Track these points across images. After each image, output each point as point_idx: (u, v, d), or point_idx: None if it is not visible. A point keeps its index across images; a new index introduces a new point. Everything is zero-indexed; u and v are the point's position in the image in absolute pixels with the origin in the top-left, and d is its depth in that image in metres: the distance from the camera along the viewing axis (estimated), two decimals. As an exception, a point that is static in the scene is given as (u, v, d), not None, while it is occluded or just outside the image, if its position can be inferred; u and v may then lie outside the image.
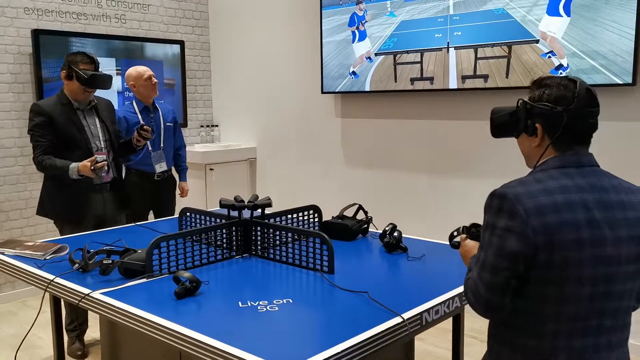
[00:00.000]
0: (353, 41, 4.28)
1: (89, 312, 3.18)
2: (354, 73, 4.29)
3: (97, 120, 3.24)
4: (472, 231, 1.67)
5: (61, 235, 3.18)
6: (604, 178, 1.42)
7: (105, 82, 3.14)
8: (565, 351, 1.36)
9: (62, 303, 2.93)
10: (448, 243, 1.80)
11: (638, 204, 1.40)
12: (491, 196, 1.40)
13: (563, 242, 1.31)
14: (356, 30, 4.25)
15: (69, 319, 3.33)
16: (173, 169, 4.05)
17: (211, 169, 4.94)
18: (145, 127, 3.28)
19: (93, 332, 3.53)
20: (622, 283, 1.36)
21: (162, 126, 3.85)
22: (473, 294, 1.40)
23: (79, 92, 3.13)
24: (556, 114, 1.41)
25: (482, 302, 1.38)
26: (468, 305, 1.47)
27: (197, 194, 4.87)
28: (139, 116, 3.75)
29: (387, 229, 2.56)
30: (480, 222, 1.49)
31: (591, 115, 1.44)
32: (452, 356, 2.63)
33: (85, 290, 2.02)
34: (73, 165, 3.00)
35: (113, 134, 3.31)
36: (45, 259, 2.44)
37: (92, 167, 2.93)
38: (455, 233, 1.70)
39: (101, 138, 3.24)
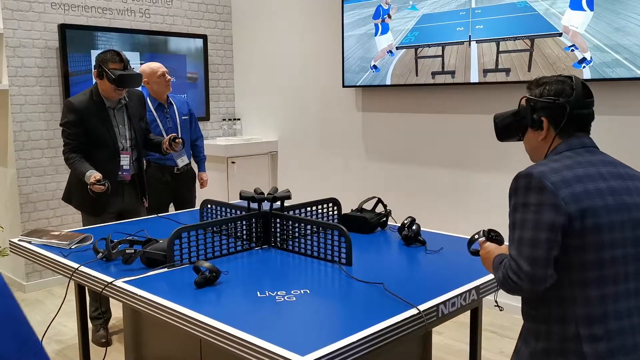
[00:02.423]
0: (376, 34, 4.27)
1: (113, 301, 3.26)
2: (375, 67, 4.29)
3: (125, 119, 3.32)
4: (490, 235, 1.68)
5: (83, 224, 3.28)
6: (607, 156, 1.55)
7: (134, 81, 3.21)
8: (614, 315, 1.41)
9: (87, 292, 3.00)
10: (467, 242, 1.78)
11: (637, 176, 1.53)
12: (516, 178, 1.48)
13: (592, 208, 1.39)
14: (379, 24, 4.24)
15: (93, 308, 3.41)
16: (192, 160, 4.10)
17: (233, 162, 4.99)
18: (177, 139, 3.33)
19: (117, 320, 3.61)
20: None
21: (178, 120, 3.89)
22: (515, 272, 1.41)
23: (110, 91, 3.20)
24: (559, 105, 1.53)
25: (526, 277, 1.40)
26: (507, 292, 1.48)
27: (218, 187, 4.93)
28: (154, 114, 3.78)
29: (405, 222, 2.57)
30: (500, 222, 1.51)
31: (589, 105, 1.56)
32: (470, 350, 2.63)
33: (109, 279, 2.07)
34: (89, 174, 3.07)
35: (139, 132, 3.37)
36: (70, 247, 2.51)
37: (89, 186, 3.00)
38: (476, 236, 1.71)
39: (127, 137, 3.31)
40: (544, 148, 1.57)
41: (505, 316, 1.50)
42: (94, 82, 3.28)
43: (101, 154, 3.20)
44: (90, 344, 3.19)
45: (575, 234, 1.39)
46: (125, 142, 3.30)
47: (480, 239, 1.68)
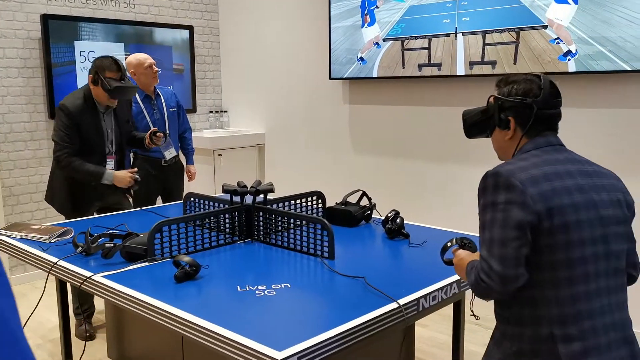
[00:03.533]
0: (362, 26, 4.25)
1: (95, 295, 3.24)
2: (361, 59, 4.27)
3: (113, 123, 3.29)
4: (463, 243, 1.67)
5: (66, 220, 3.24)
6: (574, 154, 1.54)
7: (129, 93, 3.21)
8: (587, 314, 1.39)
9: (69, 286, 2.97)
10: (440, 251, 1.76)
11: (605, 173, 1.52)
12: (484, 177, 1.47)
13: (560, 206, 1.38)
14: (367, 15, 4.21)
15: (76, 304, 3.39)
16: (180, 153, 4.07)
17: (220, 155, 4.95)
18: (158, 133, 3.31)
19: (101, 314, 3.58)
20: (616, 243, 1.45)
21: (165, 112, 3.86)
22: (486, 273, 1.40)
23: (104, 99, 3.17)
24: (526, 105, 1.53)
25: (497, 277, 1.38)
26: (479, 297, 1.46)
27: (205, 180, 4.90)
28: (141, 105, 3.75)
29: (389, 215, 2.56)
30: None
31: (557, 105, 1.56)
32: (453, 342, 2.63)
33: (87, 273, 2.05)
34: (109, 173, 3.14)
35: (124, 136, 3.37)
36: (50, 241, 2.48)
37: (129, 185, 3.17)
38: (449, 244, 1.70)
39: (114, 141, 3.29)
40: (512, 147, 1.57)
41: (490, 307, 1.50)
42: (81, 85, 3.24)
43: (89, 159, 3.17)
44: (74, 338, 3.18)
45: (544, 233, 1.38)
46: (112, 146, 3.29)
47: (453, 247, 1.68)
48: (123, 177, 3.17)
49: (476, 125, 1.66)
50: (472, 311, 2.24)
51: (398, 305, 1.72)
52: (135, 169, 3.25)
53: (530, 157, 1.48)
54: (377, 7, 4.14)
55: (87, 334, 3.34)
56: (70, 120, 3.10)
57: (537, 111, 1.51)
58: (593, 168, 1.51)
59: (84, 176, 3.15)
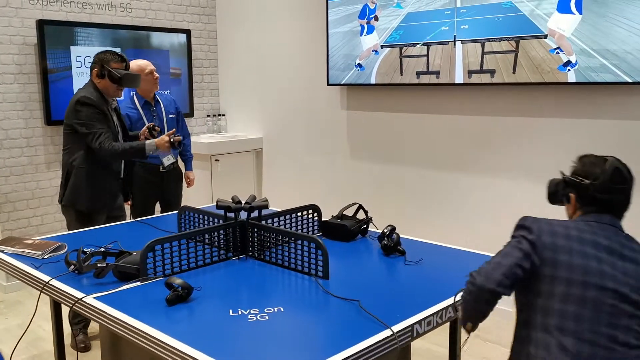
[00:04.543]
0: (361, 34, 4.21)
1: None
2: (359, 65, 4.23)
3: (115, 119, 3.30)
4: None
5: (69, 228, 3.23)
6: (621, 236, 1.62)
7: (136, 80, 3.25)
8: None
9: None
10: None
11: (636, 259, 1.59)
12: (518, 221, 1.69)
13: (568, 264, 1.52)
14: (365, 24, 4.18)
15: (72, 314, 3.36)
16: (179, 159, 4.05)
17: (217, 160, 4.93)
18: (156, 127, 3.32)
19: (97, 323, 3.56)
20: (627, 319, 1.51)
21: (164, 119, 3.84)
22: (476, 273, 1.60)
23: (112, 90, 3.18)
24: (584, 186, 1.66)
25: (483, 273, 1.58)
26: (465, 303, 1.65)
27: (202, 185, 4.87)
28: (141, 112, 3.73)
29: (385, 230, 2.53)
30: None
31: (618, 191, 1.64)
32: (449, 355, 2.62)
33: (79, 294, 2.03)
34: (149, 142, 3.16)
35: (127, 133, 3.39)
36: (43, 257, 2.46)
37: (171, 141, 3.15)
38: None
39: (119, 137, 3.29)
40: (573, 217, 1.74)
41: (488, 320, 1.57)
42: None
43: None
44: (69, 349, 3.16)
45: (545, 280, 1.49)
46: (120, 140, 3.30)
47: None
48: (163, 140, 3.17)
49: (551, 195, 1.83)
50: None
51: (392, 333, 1.70)
52: (174, 130, 3.27)
53: (568, 222, 1.63)
54: (376, 16, 4.10)
55: (83, 345, 3.32)
56: (97, 108, 3.11)
57: (594, 194, 1.64)
58: (627, 253, 1.57)
59: (130, 154, 3.18)
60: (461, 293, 1.70)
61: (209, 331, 1.74)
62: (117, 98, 3.34)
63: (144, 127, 3.36)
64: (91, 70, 3.18)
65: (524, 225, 1.64)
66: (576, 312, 1.49)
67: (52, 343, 3.29)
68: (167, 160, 3.82)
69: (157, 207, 3.93)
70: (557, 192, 1.79)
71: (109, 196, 3.28)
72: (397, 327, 1.73)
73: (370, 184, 4.43)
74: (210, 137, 5.16)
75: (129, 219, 3.35)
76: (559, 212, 1.89)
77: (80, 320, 3.37)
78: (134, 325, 1.77)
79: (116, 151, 3.11)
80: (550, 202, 1.86)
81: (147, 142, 3.17)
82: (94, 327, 3.56)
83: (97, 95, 3.15)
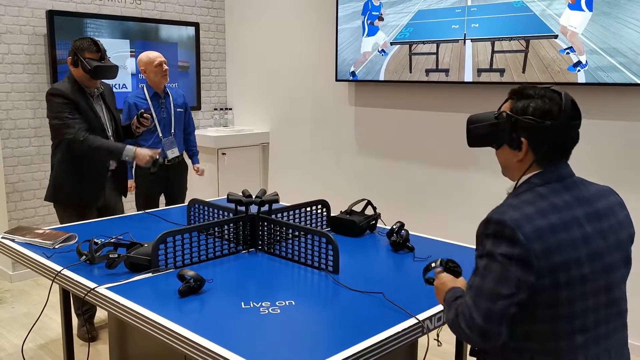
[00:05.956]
0: (362, 34, 4.20)
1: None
2: (353, 74, 4.26)
3: (103, 107, 3.24)
4: (449, 265, 1.63)
5: (61, 222, 3.18)
6: (583, 188, 1.43)
7: (110, 72, 3.10)
8: None
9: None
10: (422, 270, 1.75)
11: (613, 207, 1.44)
12: (486, 222, 1.37)
13: (564, 263, 1.31)
14: (367, 24, 4.17)
15: (78, 304, 3.38)
16: (184, 153, 4.06)
17: (223, 154, 4.94)
18: (145, 114, 3.24)
19: (103, 314, 3.58)
20: (619, 288, 1.41)
21: (172, 112, 3.84)
22: (467, 323, 1.34)
23: (85, 80, 3.10)
24: (544, 129, 1.37)
25: (478, 331, 1.32)
26: (457, 336, 1.42)
27: (209, 179, 4.88)
28: (149, 102, 3.74)
29: (394, 227, 2.54)
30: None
31: (575, 128, 1.42)
32: (456, 352, 2.64)
33: (91, 284, 2.04)
34: (129, 148, 3.04)
35: (118, 121, 3.32)
36: (54, 247, 2.47)
37: (152, 160, 3.06)
38: (433, 265, 1.65)
39: (108, 125, 3.24)
40: (520, 170, 1.44)
41: None
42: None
43: None
44: (76, 339, 3.18)
45: (545, 290, 1.30)
46: (108, 130, 3.22)
47: (437, 269, 1.62)
48: (145, 153, 3.05)
49: (482, 137, 1.49)
50: (436, 338, 2.25)
51: (418, 321, 1.72)
52: (159, 150, 3.15)
53: (538, 200, 1.36)
54: (381, 16, 4.09)
55: (89, 335, 3.34)
56: (66, 99, 3.01)
57: (553, 137, 1.37)
58: (603, 204, 1.42)
59: (103, 152, 3.05)
60: (445, 309, 1.49)
61: (222, 323, 1.75)
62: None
63: (134, 117, 3.30)
64: (67, 58, 3.11)
65: (502, 234, 1.31)
66: (595, 304, 1.36)
67: (60, 333, 3.31)
68: (172, 153, 3.83)
69: (162, 200, 3.95)
70: (493, 135, 1.46)
71: (93, 190, 3.18)
72: (404, 325, 1.74)
73: (377, 179, 4.44)
74: (217, 130, 5.17)
75: (133, 211, 3.36)
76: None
77: (87, 310, 3.39)
78: (148, 316, 1.79)
79: (90, 145, 3.00)
80: (471, 146, 1.54)
81: (127, 147, 3.05)
82: (99, 318, 3.58)
83: (69, 86, 3.06)
